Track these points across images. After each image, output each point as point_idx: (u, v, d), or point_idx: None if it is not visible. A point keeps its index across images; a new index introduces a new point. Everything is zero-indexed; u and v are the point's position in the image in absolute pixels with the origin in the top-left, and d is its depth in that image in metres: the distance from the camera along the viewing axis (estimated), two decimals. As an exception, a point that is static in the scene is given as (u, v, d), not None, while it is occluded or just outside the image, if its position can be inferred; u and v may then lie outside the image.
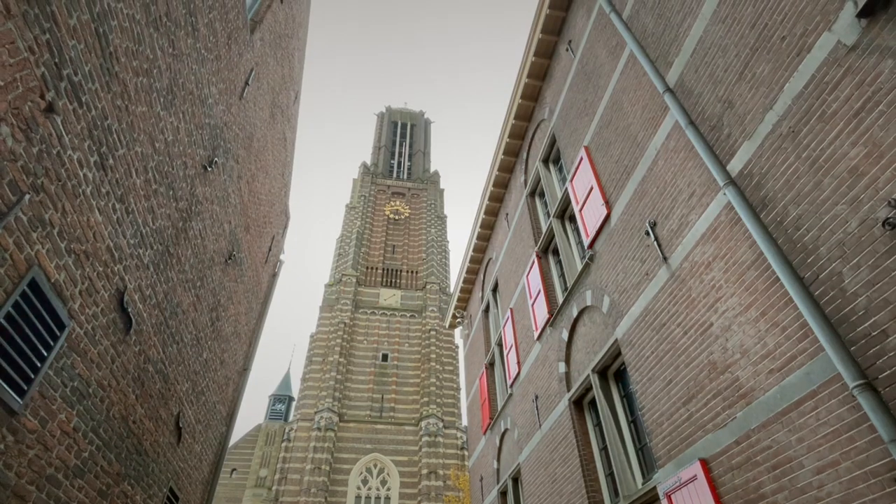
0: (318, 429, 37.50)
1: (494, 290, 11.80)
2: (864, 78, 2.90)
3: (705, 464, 3.88)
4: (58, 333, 3.33)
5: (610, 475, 5.88)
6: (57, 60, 2.95)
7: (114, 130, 3.70)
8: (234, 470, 51.34)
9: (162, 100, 4.45)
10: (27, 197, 2.82)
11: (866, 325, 2.73)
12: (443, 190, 59.93)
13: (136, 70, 3.91)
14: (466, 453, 38.15)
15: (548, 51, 8.98)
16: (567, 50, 8.21)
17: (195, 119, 5.33)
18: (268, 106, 8.67)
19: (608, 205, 6.10)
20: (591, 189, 6.55)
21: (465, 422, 38.44)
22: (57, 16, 2.89)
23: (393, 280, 49.91)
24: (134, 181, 4.14)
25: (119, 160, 3.84)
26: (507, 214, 11.12)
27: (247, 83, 7.05)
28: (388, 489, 37.47)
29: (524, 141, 10.36)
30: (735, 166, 3.94)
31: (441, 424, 39.38)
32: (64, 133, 3.12)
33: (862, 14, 2.92)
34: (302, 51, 11.38)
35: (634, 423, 5.62)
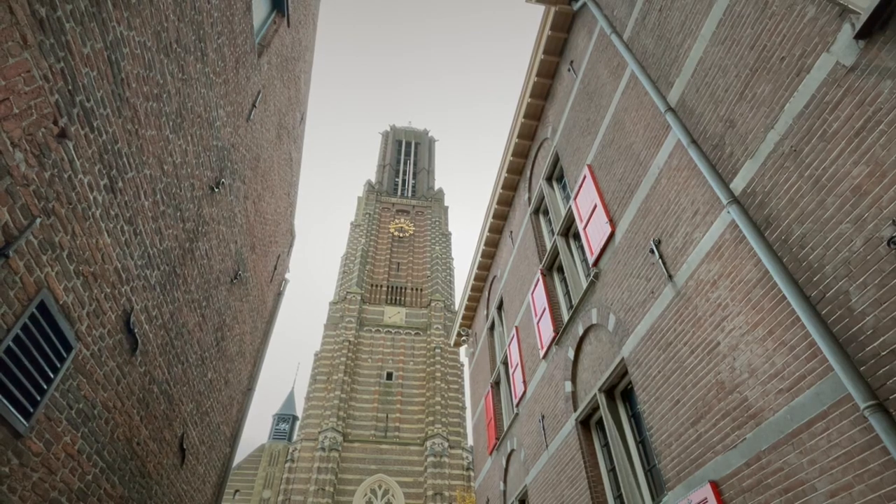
0: (323, 449, 37.06)
1: (499, 307, 11.76)
2: (864, 98, 2.92)
3: (716, 486, 3.81)
4: (65, 355, 3.34)
5: (619, 497, 5.77)
6: (70, 88, 3.03)
7: (124, 154, 3.77)
8: (236, 491, 50.63)
9: (171, 123, 4.54)
10: (38, 220, 2.87)
11: (875, 344, 2.71)
12: (447, 207, 60.21)
13: (146, 95, 4.00)
14: (472, 474, 37.55)
15: (550, 71, 9.11)
16: (569, 70, 8.32)
17: (203, 141, 5.42)
18: (274, 127, 8.80)
19: (612, 223, 6.11)
20: (595, 207, 6.57)
21: (470, 442, 37.90)
22: (71, 45, 2.97)
23: (397, 298, 49.82)
24: (142, 203, 4.20)
25: (128, 183, 3.91)
26: (511, 232, 11.15)
27: (254, 105, 7.18)
28: (393, 511, 36.82)
29: (527, 159, 10.44)
30: (738, 185, 3.95)
31: (446, 444, 38.83)
32: (75, 157, 3.18)
33: (860, 35, 2.96)
34: (308, 73, 11.59)
35: (643, 443, 5.54)
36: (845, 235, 2.96)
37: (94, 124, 3.34)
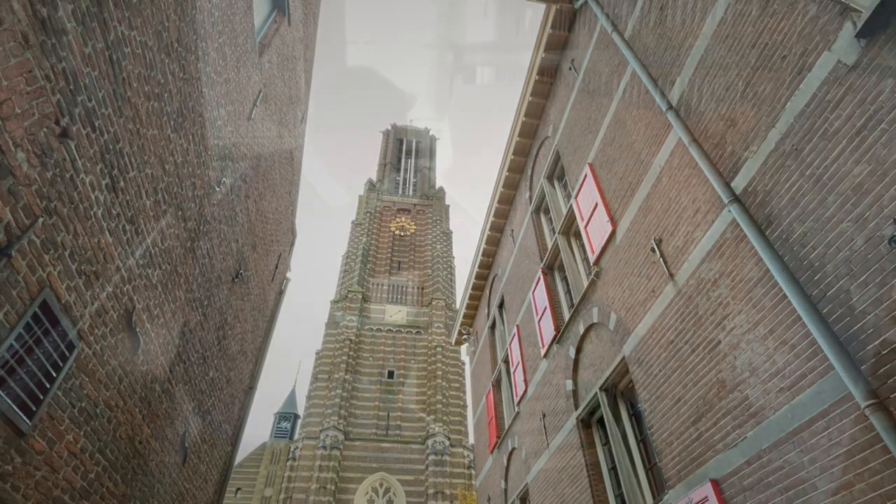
0: (324, 447, 37.11)
1: (500, 306, 11.77)
2: (866, 97, 2.92)
3: (716, 485, 3.81)
4: (67, 354, 3.35)
5: (619, 496, 5.78)
6: (72, 87, 3.03)
7: (125, 153, 3.78)
8: (238, 489, 50.74)
9: (172, 123, 4.55)
10: (40, 220, 2.88)
11: (876, 343, 2.71)
12: (448, 206, 60.17)
13: (147, 95, 4.00)
14: (473, 472, 37.59)
15: (551, 69, 9.10)
16: (570, 69, 8.31)
17: (204, 140, 5.43)
18: (275, 126, 8.81)
19: (613, 221, 6.11)
20: (596, 206, 6.57)
21: (471, 440, 37.94)
22: (73, 45, 2.98)
23: (398, 296, 49.81)
24: (144, 202, 4.21)
25: (130, 182, 3.91)
26: (511, 231, 11.15)
27: (255, 104, 7.18)
28: (395, 509, 36.88)
29: (528, 158, 10.44)
30: (739, 183, 3.95)
31: (448, 443, 38.86)
32: (77, 157, 3.19)
33: (861, 34, 2.95)
34: (309, 72, 11.59)
35: (643, 441, 5.55)
36: (846, 234, 2.96)
37: (96, 124, 3.34)
